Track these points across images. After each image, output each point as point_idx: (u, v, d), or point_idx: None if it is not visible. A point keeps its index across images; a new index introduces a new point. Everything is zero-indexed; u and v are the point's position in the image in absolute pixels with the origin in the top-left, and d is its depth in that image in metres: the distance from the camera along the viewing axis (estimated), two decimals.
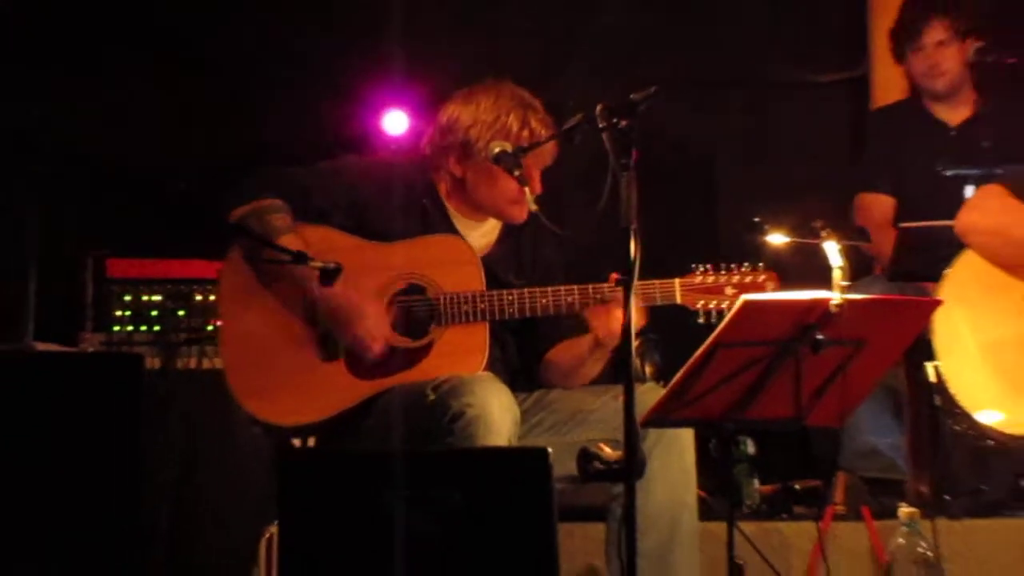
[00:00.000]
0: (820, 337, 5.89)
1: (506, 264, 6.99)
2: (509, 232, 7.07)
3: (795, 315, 5.87)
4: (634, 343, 5.99)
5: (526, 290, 6.82)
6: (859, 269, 8.17)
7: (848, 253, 7.12)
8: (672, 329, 6.90)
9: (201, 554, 7.21)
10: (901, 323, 6.46)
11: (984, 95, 9.27)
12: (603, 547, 6.55)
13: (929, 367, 7.32)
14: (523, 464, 5.61)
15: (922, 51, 9.25)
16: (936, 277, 7.19)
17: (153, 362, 7.96)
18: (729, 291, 6.61)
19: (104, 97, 9.64)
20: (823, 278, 6.26)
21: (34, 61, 9.65)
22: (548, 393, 6.94)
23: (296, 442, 6.74)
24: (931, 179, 8.74)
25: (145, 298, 8.53)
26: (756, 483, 7.41)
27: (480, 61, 7.18)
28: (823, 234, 7.07)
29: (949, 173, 8.64)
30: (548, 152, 6.82)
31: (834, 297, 5.98)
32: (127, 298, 8.52)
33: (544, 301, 6.77)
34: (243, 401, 6.78)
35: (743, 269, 6.76)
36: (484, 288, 6.81)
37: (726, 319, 5.97)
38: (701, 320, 6.59)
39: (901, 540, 5.97)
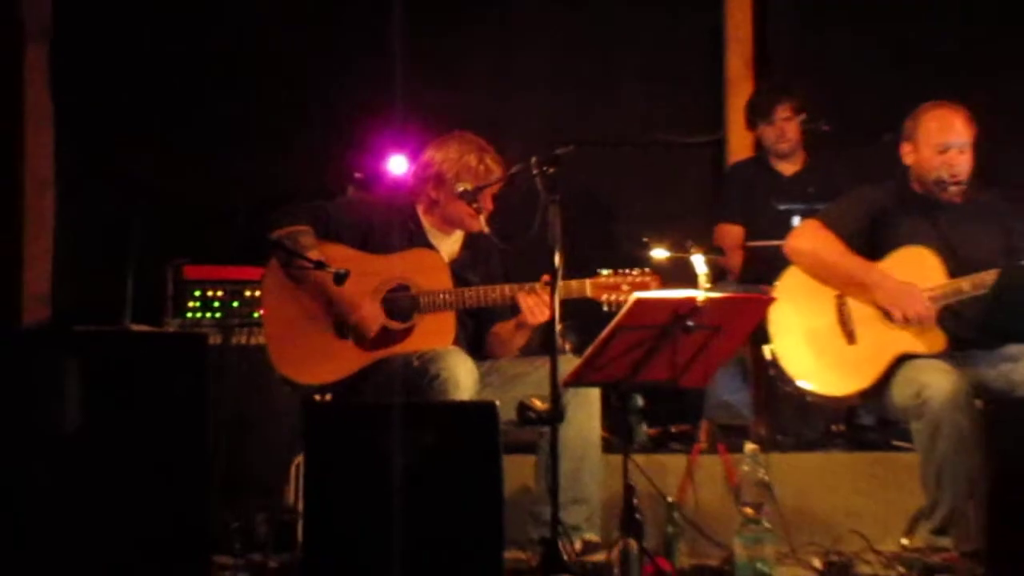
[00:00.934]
0: (690, 324, 5.93)
1: (467, 267, 7.07)
2: (469, 243, 7.16)
3: (672, 308, 5.91)
4: (558, 326, 6.09)
5: (481, 287, 6.89)
6: (717, 276, 8.19)
7: (710, 264, 7.16)
8: (585, 315, 6.90)
9: (250, 475, 7.21)
10: (746, 314, 6.49)
11: (809, 154, 9.31)
12: (534, 471, 6.57)
13: (766, 348, 7.34)
14: (479, 413, 5.69)
15: (773, 124, 9.28)
16: (771, 282, 7.20)
17: (215, 339, 7.95)
18: (625, 288, 6.65)
19: (188, 152, 9.62)
20: (692, 281, 6.35)
21: (143, 123, 9.64)
22: (497, 362, 7.00)
23: (317, 397, 6.76)
24: (770, 213, 8.77)
25: (210, 293, 8.53)
26: (644, 427, 7.42)
27: (452, 119, 7.16)
28: (692, 250, 7.11)
29: (782, 208, 8.68)
30: (497, 184, 6.89)
31: (699, 295, 6.02)
32: (197, 293, 8.52)
33: (493, 295, 6.84)
34: (279, 367, 6.84)
35: (635, 273, 6.80)
36: (451, 286, 6.89)
37: (623, 310, 6.02)
38: (605, 309, 6.63)
39: (746, 467, 5.98)
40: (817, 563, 6.26)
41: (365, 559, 5.16)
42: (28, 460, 5.08)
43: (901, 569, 6.12)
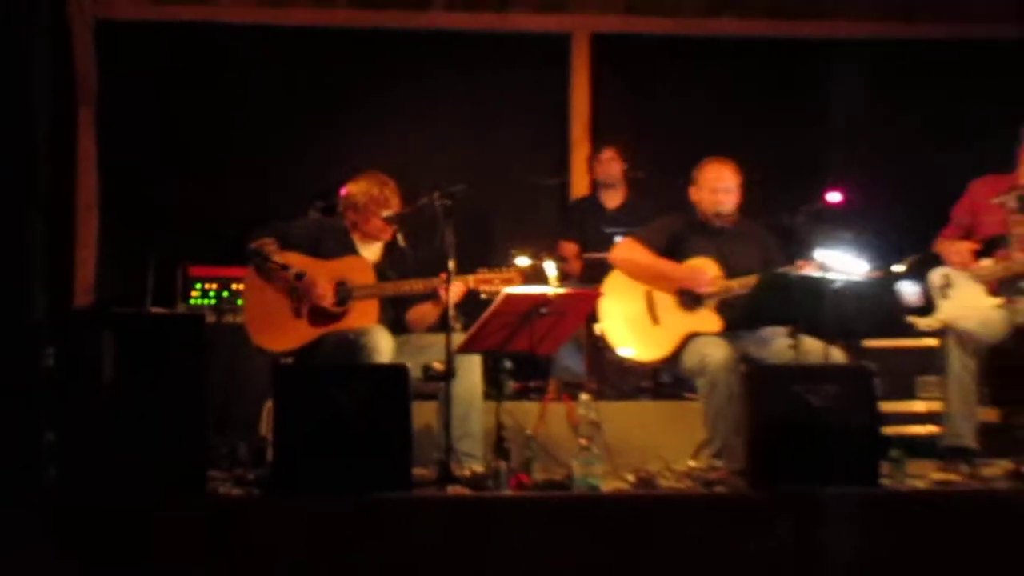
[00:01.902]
0: (543, 311, 5.99)
1: (386, 268, 7.03)
2: (388, 251, 7.13)
3: (531, 300, 5.97)
4: (452, 312, 6.11)
5: (396, 282, 6.90)
6: (562, 277, 8.20)
7: (557, 269, 7.19)
8: (472, 302, 6.91)
9: (234, 414, 7.17)
10: (582, 304, 6.55)
11: (629, 192, 9.35)
12: (435, 415, 6.58)
13: (596, 327, 7.37)
14: (395, 373, 5.69)
15: (602, 163, 9.34)
16: (600, 282, 7.22)
17: (211, 318, 7.91)
18: (498, 283, 6.66)
19: (193, 186, 9.60)
20: (545, 281, 6.41)
21: (162, 164, 9.65)
22: (409, 336, 6.96)
23: (282, 360, 6.75)
24: (600, 234, 8.81)
25: (207, 286, 8.51)
26: (511, 383, 7.42)
27: (382, 164, 7.14)
28: (544, 259, 7.17)
29: (607, 231, 8.72)
30: (402, 210, 6.98)
31: (550, 291, 6.06)
32: (198, 286, 8.51)
33: (406, 287, 6.85)
34: (255, 339, 6.82)
35: (504, 271, 6.82)
36: (375, 282, 6.90)
37: (496, 301, 6.07)
38: (483, 297, 6.65)
39: (582, 411, 6.00)
40: (631, 478, 6.27)
41: (316, 472, 5.16)
42: (80, 401, 5.09)
43: (689, 482, 6.16)
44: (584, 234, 9.16)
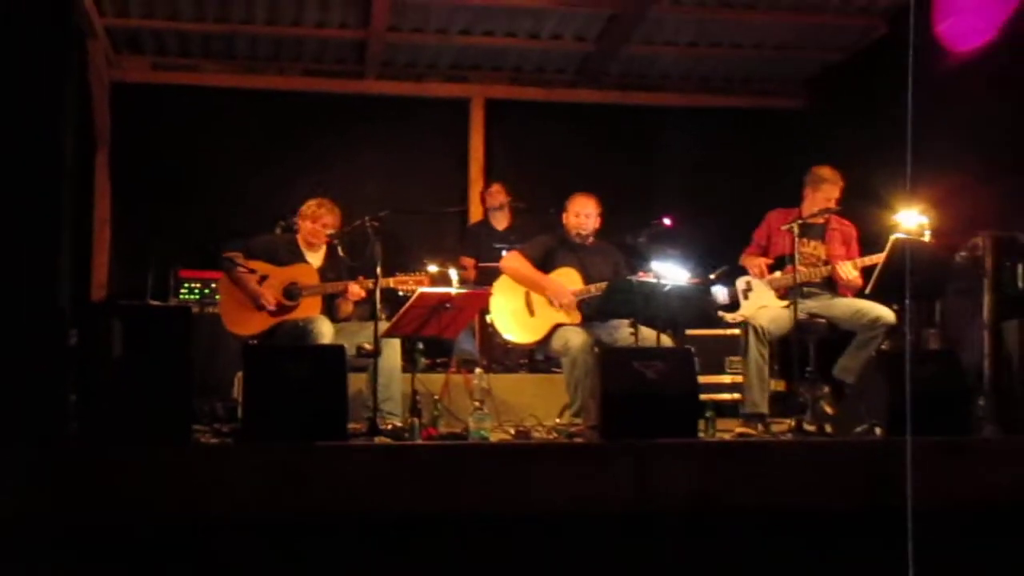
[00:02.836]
0: (448, 305, 5.96)
1: (327, 271, 6.99)
2: (329, 258, 7.08)
3: (439, 297, 5.94)
4: (379, 304, 6.08)
5: (335, 283, 6.86)
6: (462, 281, 8.18)
7: (459, 275, 7.16)
8: (393, 299, 6.88)
9: (213, 381, 7.11)
10: (477, 301, 6.54)
11: (513, 218, 9.35)
12: (365, 383, 6.54)
13: (488, 317, 7.37)
14: (334, 352, 5.62)
15: (492, 195, 9.33)
16: (491, 284, 7.21)
17: (196, 310, 7.87)
18: (412, 283, 6.65)
19: (184, 209, 9.52)
20: (449, 284, 6.38)
21: (160, 191, 9.58)
22: (345, 324, 6.94)
23: (249, 342, 6.69)
24: (491, 249, 8.79)
25: (194, 285, 8.43)
26: (423, 359, 7.38)
27: (328, 192, 7.11)
28: (450, 267, 7.14)
29: (497, 246, 8.71)
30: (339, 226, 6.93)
31: (453, 291, 6.05)
32: (186, 285, 8.43)
33: (338, 286, 6.82)
34: (228, 326, 6.82)
35: (417, 275, 6.81)
36: (319, 282, 6.84)
37: (413, 297, 6.06)
38: (400, 294, 6.64)
39: (476, 381, 6.01)
40: (512, 431, 6.29)
41: (275, 425, 5.11)
42: (95, 372, 5.02)
43: (555, 435, 6.18)
44: (479, 249, 9.13)
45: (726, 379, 8.13)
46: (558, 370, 7.38)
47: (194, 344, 5.38)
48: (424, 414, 6.03)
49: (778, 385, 7.56)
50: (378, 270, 6.28)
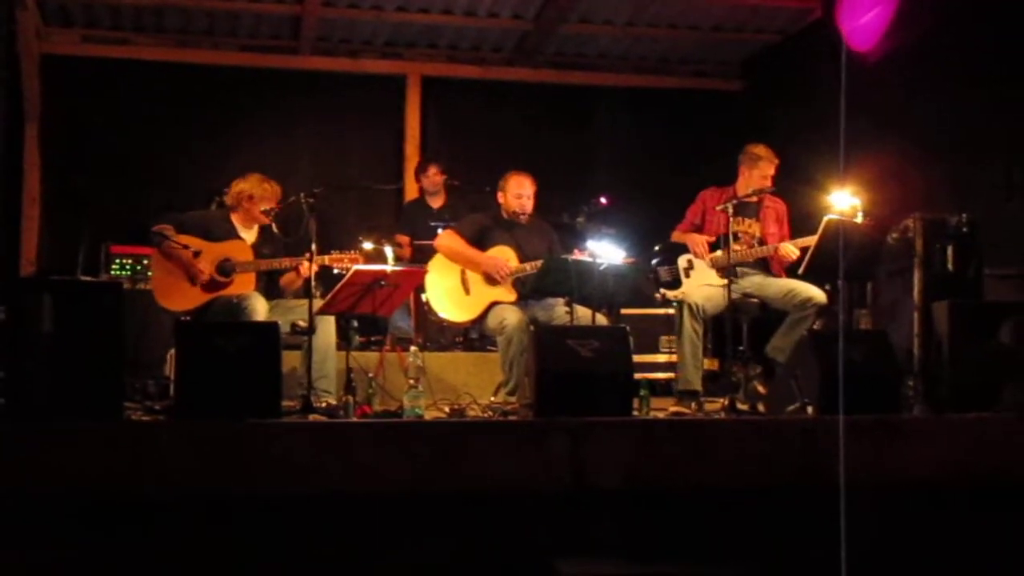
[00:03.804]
0: (383, 283, 5.97)
1: (261, 247, 6.92)
2: (263, 235, 7.01)
3: (373, 274, 5.92)
4: (313, 282, 6.05)
5: (269, 259, 6.83)
6: (397, 259, 8.18)
7: (394, 252, 7.14)
8: (328, 275, 6.87)
9: (144, 358, 7.04)
10: (412, 279, 6.54)
11: (448, 196, 9.33)
12: (299, 361, 6.50)
13: (423, 296, 7.36)
14: (268, 328, 5.58)
15: (428, 177, 9.29)
16: (426, 262, 7.20)
17: (127, 285, 7.79)
18: (347, 261, 6.61)
19: (114, 183, 9.49)
20: (385, 261, 6.36)
21: (90, 167, 9.51)
22: (280, 301, 6.88)
23: (181, 318, 6.62)
24: (426, 227, 8.75)
25: (125, 261, 8.35)
26: (358, 337, 7.36)
27: (264, 168, 7.05)
28: (385, 244, 7.13)
29: (432, 224, 8.67)
30: (277, 204, 6.86)
31: (388, 268, 6.03)
32: (118, 261, 8.34)
33: (277, 263, 6.78)
34: (160, 301, 6.71)
35: (352, 253, 6.79)
36: (253, 259, 6.80)
37: (348, 274, 6.03)
38: (335, 272, 6.60)
39: (411, 359, 5.96)
40: (447, 409, 6.27)
41: (208, 402, 5.06)
42: (25, 348, 4.95)
43: (490, 412, 6.17)
44: (414, 227, 9.10)
45: (661, 358, 8.19)
46: (493, 348, 7.40)
47: (126, 321, 5.32)
48: (359, 392, 6.00)
49: (711, 364, 7.62)
50: (313, 247, 6.24)
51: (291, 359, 6.49)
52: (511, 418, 5.94)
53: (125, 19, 9.79)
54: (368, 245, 7.98)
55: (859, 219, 6.58)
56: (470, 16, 9.85)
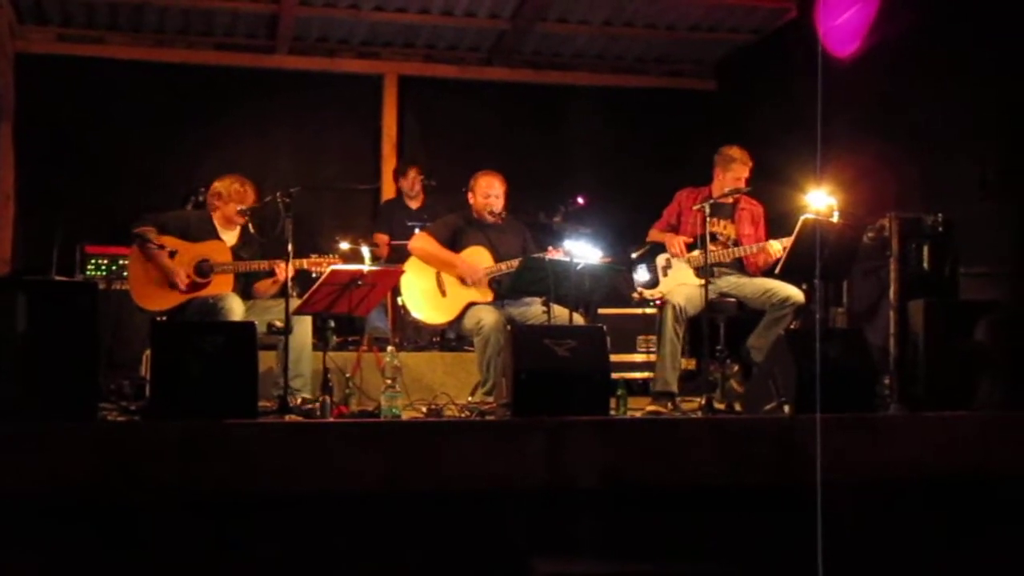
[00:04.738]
0: (359, 283, 5.94)
1: (240, 249, 6.91)
2: (242, 236, 7.00)
3: (350, 274, 5.90)
4: (290, 283, 6.03)
5: (247, 261, 6.81)
6: (375, 258, 8.14)
7: (371, 252, 7.12)
8: (306, 277, 6.85)
9: (120, 359, 7.03)
10: (389, 280, 6.54)
11: (425, 196, 9.32)
12: (276, 361, 6.50)
13: (400, 297, 7.34)
14: (245, 328, 5.56)
15: (407, 179, 9.28)
16: (403, 262, 7.20)
17: (103, 285, 7.75)
18: (325, 265, 6.60)
19: (91, 182, 9.46)
20: (362, 261, 6.34)
21: (66, 165, 9.46)
22: (256, 302, 6.87)
23: (157, 318, 6.60)
24: (404, 227, 8.77)
25: (101, 261, 8.32)
26: (334, 337, 7.33)
27: (242, 169, 7.03)
28: (362, 244, 7.11)
29: (409, 225, 8.68)
30: (248, 203, 6.87)
31: (365, 268, 6.02)
32: (93, 261, 8.32)
33: (255, 265, 6.77)
34: (136, 301, 6.69)
35: (330, 257, 6.78)
36: (231, 260, 6.78)
37: (324, 275, 6.02)
38: (314, 275, 6.58)
39: (388, 359, 5.96)
40: (424, 409, 6.28)
41: (183, 403, 5.05)
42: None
43: (467, 412, 6.16)
44: (392, 227, 9.10)
45: (638, 358, 8.21)
46: (470, 348, 7.40)
47: (101, 321, 5.33)
48: (335, 392, 5.99)
49: (688, 363, 7.63)
50: (289, 247, 6.22)
51: (266, 359, 6.47)
52: (488, 418, 5.93)
53: (100, 18, 9.73)
54: (345, 245, 7.97)
55: (835, 218, 6.59)
56: (447, 15, 9.84)
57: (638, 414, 6.19)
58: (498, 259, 7.03)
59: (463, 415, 6.12)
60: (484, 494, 5.05)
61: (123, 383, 6.62)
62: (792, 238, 6.50)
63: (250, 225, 6.98)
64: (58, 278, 7.54)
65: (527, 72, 10.74)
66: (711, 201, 6.69)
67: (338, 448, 5.00)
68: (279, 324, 6.43)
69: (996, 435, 5.51)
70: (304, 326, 6.64)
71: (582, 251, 6.70)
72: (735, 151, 7.11)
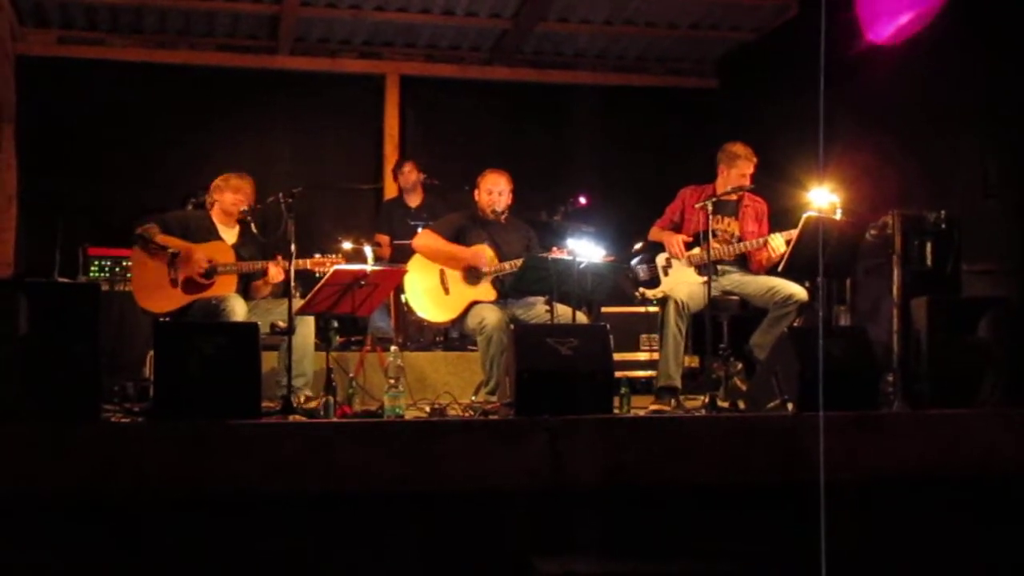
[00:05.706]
0: (362, 283, 5.93)
1: (241, 248, 6.92)
2: (243, 236, 7.00)
3: (353, 274, 5.90)
4: (293, 282, 6.02)
5: (248, 262, 6.81)
6: (377, 258, 8.14)
7: (374, 252, 7.11)
8: (308, 277, 6.85)
9: (124, 360, 7.04)
10: (391, 279, 6.51)
11: (426, 195, 9.31)
12: (279, 361, 6.50)
13: (402, 296, 7.32)
14: (248, 329, 5.54)
15: (403, 174, 9.28)
16: (406, 262, 7.19)
17: (105, 287, 7.74)
18: (328, 264, 6.60)
19: (93, 184, 9.44)
20: (364, 261, 6.33)
21: (69, 167, 9.47)
22: (259, 301, 6.88)
23: (160, 319, 6.60)
24: (406, 226, 8.77)
25: (104, 263, 8.31)
26: (337, 337, 7.35)
27: (243, 168, 7.03)
28: (364, 244, 7.09)
29: (411, 224, 8.68)
30: (247, 201, 6.93)
31: (368, 268, 6.01)
32: (96, 262, 8.30)
33: (256, 266, 6.77)
34: (139, 302, 6.68)
35: (333, 257, 6.77)
36: (234, 260, 6.78)
37: (327, 275, 6.01)
38: (317, 276, 6.57)
39: (391, 359, 5.95)
40: (427, 409, 6.27)
41: (187, 404, 5.04)
42: (1, 350, 4.92)
43: (471, 412, 6.16)
44: (393, 226, 9.11)
45: (641, 356, 8.20)
46: (473, 348, 7.39)
47: (104, 323, 5.32)
48: (339, 392, 5.99)
49: (691, 361, 7.63)
50: (292, 247, 6.22)
51: (270, 359, 6.50)
52: (492, 417, 5.92)
53: (101, 20, 9.73)
54: (347, 245, 7.97)
55: (838, 216, 6.59)
56: (448, 15, 9.83)
57: (642, 413, 6.19)
58: (502, 258, 7.03)
59: (466, 414, 6.12)
60: (487, 493, 5.04)
61: (127, 384, 6.64)
62: (795, 236, 6.50)
63: (252, 225, 6.98)
64: (61, 280, 7.55)
65: (528, 71, 10.74)
66: (714, 198, 6.69)
67: (341, 448, 5.00)
68: (282, 324, 6.43)
69: (1000, 432, 5.50)
70: (307, 326, 6.63)
71: (584, 250, 6.70)
72: (739, 148, 7.10)
